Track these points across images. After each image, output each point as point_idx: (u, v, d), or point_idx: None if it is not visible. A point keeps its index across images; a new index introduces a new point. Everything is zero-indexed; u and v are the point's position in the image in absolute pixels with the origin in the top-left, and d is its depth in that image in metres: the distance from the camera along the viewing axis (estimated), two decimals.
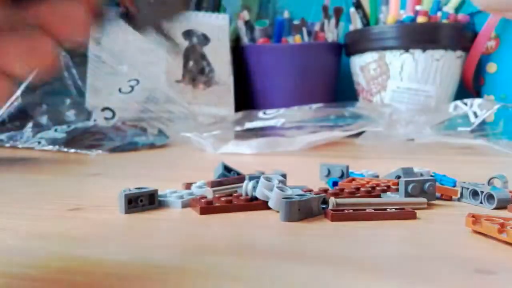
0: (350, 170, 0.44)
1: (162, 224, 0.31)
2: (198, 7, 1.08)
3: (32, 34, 0.21)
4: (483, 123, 0.74)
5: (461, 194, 0.36)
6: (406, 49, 0.88)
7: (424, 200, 0.34)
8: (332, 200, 0.32)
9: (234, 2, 1.05)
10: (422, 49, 0.87)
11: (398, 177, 0.40)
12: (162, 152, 0.75)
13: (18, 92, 0.86)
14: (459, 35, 0.88)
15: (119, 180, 0.51)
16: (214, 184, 0.38)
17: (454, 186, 0.40)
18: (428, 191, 0.35)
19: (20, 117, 0.85)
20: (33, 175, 0.53)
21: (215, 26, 1.00)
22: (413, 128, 0.78)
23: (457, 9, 0.90)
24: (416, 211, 0.32)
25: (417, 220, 0.31)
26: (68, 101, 0.90)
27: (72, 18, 0.21)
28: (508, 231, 0.25)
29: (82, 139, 0.78)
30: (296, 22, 1.00)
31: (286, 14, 1.02)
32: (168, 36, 0.25)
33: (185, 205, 0.35)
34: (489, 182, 0.38)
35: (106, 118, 0.88)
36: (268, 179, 0.34)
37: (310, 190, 0.36)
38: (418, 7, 0.88)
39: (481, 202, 0.35)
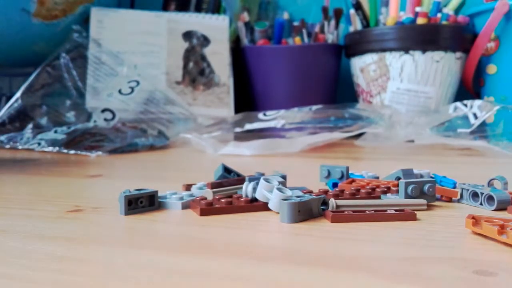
0: (350, 172, 0.44)
1: (162, 225, 0.31)
2: (198, 9, 1.08)
3: None
4: (483, 124, 0.75)
5: (461, 195, 0.36)
6: (406, 51, 0.88)
7: (424, 201, 0.34)
8: (332, 201, 0.32)
9: (234, 4, 1.05)
10: (422, 51, 0.87)
11: (398, 178, 0.40)
12: (162, 154, 0.75)
13: (18, 94, 0.86)
14: (459, 37, 0.88)
15: (119, 181, 0.51)
16: (214, 185, 0.38)
17: (454, 187, 0.40)
18: (428, 192, 0.35)
19: (20, 118, 0.86)
20: (33, 176, 0.53)
21: (215, 28, 1.00)
22: (413, 130, 0.78)
23: (457, 11, 0.90)
24: (416, 212, 0.32)
25: (417, 222, 0.31)
26: (68, 102, 0.90)
27: None
28: (508, 232, 0.25)
29: (82, 140, 0.78)
30: (296, 23, 1.00)
31: (286, 16, 1.02)
32: None
33: (185, 206, 0.35)
34: (489, 184, 0.38)
35: (106, 120, 0.88)
36: (268, 181, 0.34)
37: (310, 192, 0.36)
38: (418, 9, 0.88)
39: (481, 204, 0.35)
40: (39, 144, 0.77)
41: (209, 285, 0.21)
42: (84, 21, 0.96)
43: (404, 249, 0.26)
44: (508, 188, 0.39)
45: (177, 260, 0.24)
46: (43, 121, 0.87)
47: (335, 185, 0.41)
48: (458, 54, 0.89)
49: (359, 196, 0.36)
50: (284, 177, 0.39)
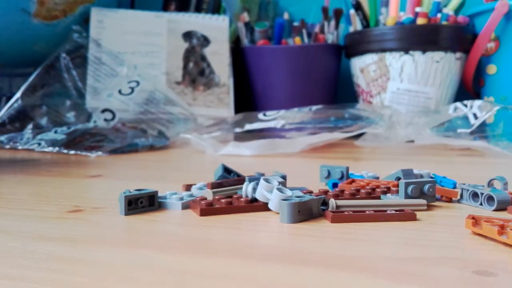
0: (350, 172, 0.44)
1: (162, 225, 0.31)
2: (198, 9, 1.08)
3: None
4: (483, 124, 0.75)
5: (461, 195, 0.36)
6: (406, 51, 0.88)
7: (424, 201, 0.34)
8: (332, 201, 0.32)
9: (234, 4, 1.05)
10: (422, 51, 0.87)
11: (398, 178, 0.40)
12: (162, 154, 0.75)
13: (18, 94, 0.86)
14: (459, 37, 0.88)
15: (119, 181, 0.51)
16: (214, 185, 0.38)
17: (454, 187, 0.40)
18: (428, 192, 0.35)
19: (20, 118, 0.86)
20: (33, 176, 0.53)
21: (215, 28, 1.00)
22: (413, 130, 0.78)
23: (457, 11, 0.90)
24: (416, 212, 0.32)
25: (417, 222, 0.31)
26: (68, 102, 0.90)
27: None
28: (508, 232, 0.25)
29: (82, 140, 0.78)
30: (296, 23, 1.00)
31: (286, 16, 1.02)
32: None
33: (185, 206, 0.35)
34: (489, 184, 0.38)
35: (106, 120, 0.88)
36: (268, 181, 0.34)
37: (310, 192, 0.36)
38: (418, 9, 0.88)
39: (481, 204, 0.35)
40: (39, 144, 0.77)
41: (209, 285, 0.21)
42: (84, 21, 0.96)
43: (404, 249, 0.26)
44: (508, 188, 0.39)
45: (177, 260, 0.24)
46: (43, 121, 0.87)
47: (335, 185, 0.41)
48: (458, 54, 0.89)
49: (359, 196, 0.36)
50: (284, 177, 0.39)
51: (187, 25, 0.99)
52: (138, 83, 0.91)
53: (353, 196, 0.36)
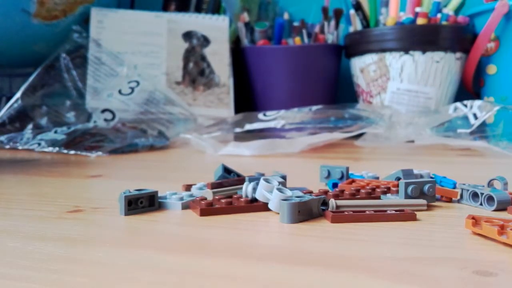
0: (350, 172, 0.44)
1: (162, 225, 0.31)
2: (198, 9, 1.08)
3: None
4: (483, 124, 0.75)
5: (461, 195, 0.36)
6: (406, 51, 0.88)
7: (424, 201, 0.34)
8: (332, 201, 0.32)
9: (234, 4, 1.05)
10: (422, 51, 0.87)
11: (398, 178, 0.40)
12: (162, 154, 0.75)
13: (18, 94, 0.86)
14: (459, 37, 0.88)
15: (119, 181, 0.51)
16: (214, 185, 0.38)
17: (454, 187, 0.40)
18: (428, 192, 0.35)
19: (20, 118, 0.86)
20: (33, 176, 0.53)
21: (215, 28, 1.00)
22: (413, 130, 0.78)
23: (457, 11, 0.90)
24: (416, 212, 0.32)
25: (417, 222, 0.31)
26: (68, 102, 0.90)
27: None
28: (508, 232, 0.25)
29: (82, 140, 0.78)
30: (296, 23, 1.00)
31: (286, 16, 1.02)
32: None
33: (185, 206, 0.35)
34: (489, 184, 0.38)
35: (106, 120, 0.88)
36: (268, 181, 0.34)
37: (310, 192, 0.36)
38: (418, 9, 0.88)
39: (481, 204, 0.35)
40: (39, 144, 0.77)
41: (209, 285, 0.21)
42: (84, 21, 0.96)
43: (404, 249, 0.26)
44: (508, 188, 0.39)
45: (177, 260, 0.24)
46: (43, 121, 0.87)
47: (335, 185, 0.41)
48: (458, 54, 0.89)
49: (359, 196, 0.36)
50: (284, 177, 0.39)
51: (187, 25, 0.99)
52: (138, 83, 0.91)
53: (353, 196, 0.36)
